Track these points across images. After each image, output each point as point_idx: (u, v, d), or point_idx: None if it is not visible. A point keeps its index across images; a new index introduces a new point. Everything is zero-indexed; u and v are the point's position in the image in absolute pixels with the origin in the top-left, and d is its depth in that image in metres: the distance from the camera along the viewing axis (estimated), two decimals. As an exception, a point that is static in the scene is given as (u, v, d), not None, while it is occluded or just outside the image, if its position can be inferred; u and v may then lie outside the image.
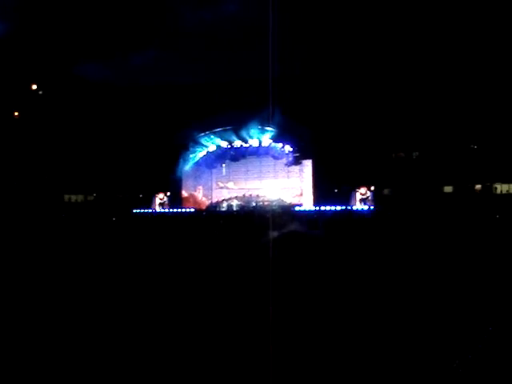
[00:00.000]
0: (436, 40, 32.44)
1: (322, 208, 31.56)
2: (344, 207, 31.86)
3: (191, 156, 36.43)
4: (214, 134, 35.70)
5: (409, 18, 32.66)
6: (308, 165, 35.14)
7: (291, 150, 35.22)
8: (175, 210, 34.95)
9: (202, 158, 37.00)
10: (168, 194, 36.79)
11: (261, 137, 35.09)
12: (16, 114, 36.73)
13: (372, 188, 32.95)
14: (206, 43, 35.52)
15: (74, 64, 36.13)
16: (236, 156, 36.85)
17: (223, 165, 37.64)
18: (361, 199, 32.69)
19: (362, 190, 32.78)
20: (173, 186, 35.80)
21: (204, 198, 37.85)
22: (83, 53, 35.28)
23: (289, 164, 35.67)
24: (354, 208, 31.74)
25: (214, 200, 37.40)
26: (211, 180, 38.31)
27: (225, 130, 35.31)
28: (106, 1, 34.67)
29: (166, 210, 35.68)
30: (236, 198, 36.61)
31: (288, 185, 36.59)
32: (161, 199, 36.78)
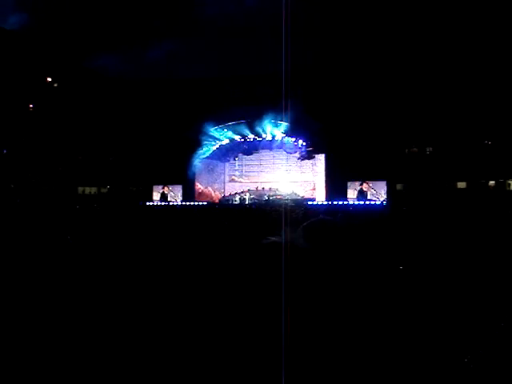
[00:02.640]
0: (450, 33, 32.24)
1: (335, 202, 31.60)
2: (357, 202, 31.98)
3: (204, 149, 36.54)
4: (228, 127, 35.77)
5: (423, 12, 32.48)
6: (321, 159, 35.17)
7: (304, 144, 35.25)
8: (188, 203, 35.08)
9: (214, 151, 37.11)
10: (173, 186, 37.01)
11: (274, 131, 35.12)
12: (31, 106, 36.92)
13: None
14: (219, 36, 35.38)
15: (88, 56, 36.18)
16: (249, 150, 36.95)
17: (236, 158, 37.79)
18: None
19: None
20: (186, 179, 35.92)
21: (217, 192, 37.99)
22: (98, 45, 35.30)
23: (302, 158, 35.73)
24: (367, 203, 31.77)
25: (227, 193, 37.55)
26: (224, 173, 38.44)
27: (238, 124, 35.37)
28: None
29: (179, 203, 35.84)
30: (248, 191, 36.73)
31: (301, 179, 36.66)
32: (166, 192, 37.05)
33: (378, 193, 33.00)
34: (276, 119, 34.04)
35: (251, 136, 35.85)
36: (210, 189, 37.78)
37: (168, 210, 34.16)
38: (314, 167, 35.73)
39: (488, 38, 31.45)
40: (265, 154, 37.30)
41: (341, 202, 31.51)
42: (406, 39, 32.98)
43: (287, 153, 36.15)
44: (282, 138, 35.40)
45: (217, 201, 36.85)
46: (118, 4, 34.83)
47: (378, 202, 31.86)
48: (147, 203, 35.81)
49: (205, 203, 34.85)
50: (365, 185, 33.32)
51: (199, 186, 37.32)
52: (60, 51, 36.61)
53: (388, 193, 32.68)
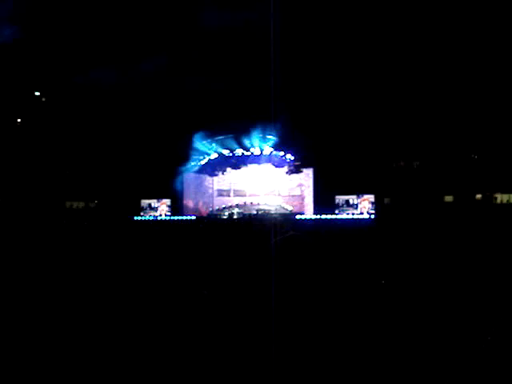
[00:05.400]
0: (437, 50, 32.58)
1: (323, 217, 31.69)
2: (346, 216, 32.11)
3: (192, 164, 36.51)
4: (216, 141, 35.76)
5: (411, 27, 32.82)
6: (309, 173, 35.24)
7: (292, 158, 35.32)
8: (176, 218, 35.04)
9: (203, 165, 37.08)
10: (168, 201, 36.97)
11: (262, 145, 35.15)
12: (18, 120, 36.81)
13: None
14: (209, 50, 35.53)
15: (77, 71, 36.19)
16: (237, 164, 36.94)
17: (224, 173, 37.80)
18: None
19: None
20: (174, 193, 35.86)
21: (205, 206, 37.94)
22: (88, 59, 35.32)
23: (290, 172, 35.81)
24: (355, 217, 31.89)
25: (215, 208, 37.52)
26: (212, 188, 38.45)
27: (226, 138, 35.39)
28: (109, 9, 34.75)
29: (167, 218, 35.79)
30: (237, 205, 36.73)
31: (289, 193, 36.78)
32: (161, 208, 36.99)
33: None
34: (264, 133, 34.10)
35: (239, 150, 35.84)
36: (198, 203, 37.73)
37: (157, 224, 34.18)
38: (303, 181, 35.82)
39: (475, 55, 31.83)
40: (253, 169, 37.36)
41: (329, 217, 31.63)
42: (394, 55, 33.29)
43: (275, 167, 36.20)
44: (271, 152, 35.42)
45: (205, 215, 36.77)
46: (110, 19, 34.88)
47: (366, 216, 31.99)
48: (135, 218, 35.77)
49: (193, 217, 34.76)
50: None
51: (187, 200, 37.23)
52: (49, 65, 36.58)
53: (376, 206, 32.76)
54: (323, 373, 3.89)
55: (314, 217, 32.39)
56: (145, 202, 37.41)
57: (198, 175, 37.71)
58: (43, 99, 37.55)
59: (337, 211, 32.86)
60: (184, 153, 35.06)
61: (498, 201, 33.40)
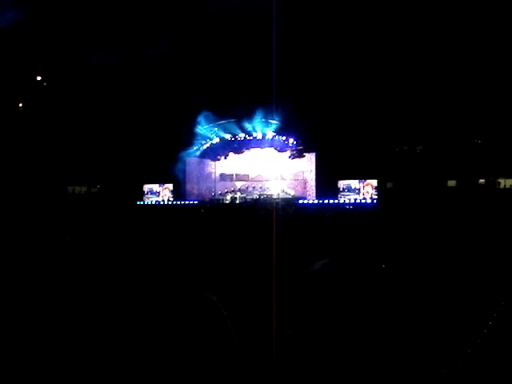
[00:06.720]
0: (438, 33, 32.31)
1: (326, 201, 31.63)
2: (348, 200, 32.09)
3: (195, 148, 36.43)
4: (218, 126, 35.63)
5: (413, 12, 32.53)
6: (312, 158, 35.13)
7: (295, 142, 35.20)
8: (179, 202, 35.03)
9: (205, 149, 36.99)
10: (170, 186, 37.00)
11: (264, 129, 35.02)
12: (20, 105, 36.68)
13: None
14: (209, 34, 35.26)
15: (79, 54, 35.95)
16: (239, 148, 36.85)
17: (226, 157, 37.72)
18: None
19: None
20: (176, 178, 35.81)
21: (207, 191, 37.92)
22: (90, 42, 35.06)
23: (292, 157, 35.71)
24: (358, 201, 31.85)
25: (218, 192, 37.48)
26: (214, 172, 38.40)
27: (228, 123, 35.24)
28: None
29: (170, 203, 35.80)
30: (239, 190, 36.69)
31: (291, 177, 36.73)
32: (164, 191, 37.02)
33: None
34: (266, 118, 33.95)
35: (242, 134, 35.70)
36: (200, 187, 37.69)
37: (160, 209, 34.14)
38: (305, 166, 35.73)
39: (477, 38, 31.56)
40: (255, 153, 37.29)
41: (331, 201, 31.58)
42: (396, 39, 33.03)
43: (278, 151, 36.11)
44: (273, 136, 35.30)
45: (207, 200, 36.73)
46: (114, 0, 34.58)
47: (369, 201, 31.94)
48: (138, 202, 35.84)
49: (195, 202, 34.75)
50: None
51: (189, 185, 37.19)
52: (51, 49, 36.34)
53: (378, 191, 32.70)
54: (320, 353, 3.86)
55: (316, 201, 32.32)
56: (147, 187, 37.50)
57: (200, 160, 37.65)
58: (44, 83, 37.38)
59: (339, 196, 32.84)
60: (186, 137, 34.95)
61: (502, 186, 33.30)
